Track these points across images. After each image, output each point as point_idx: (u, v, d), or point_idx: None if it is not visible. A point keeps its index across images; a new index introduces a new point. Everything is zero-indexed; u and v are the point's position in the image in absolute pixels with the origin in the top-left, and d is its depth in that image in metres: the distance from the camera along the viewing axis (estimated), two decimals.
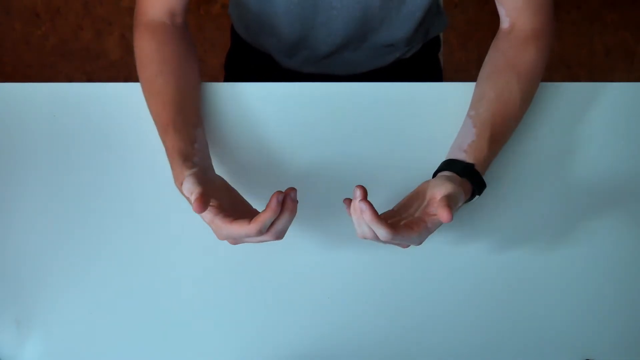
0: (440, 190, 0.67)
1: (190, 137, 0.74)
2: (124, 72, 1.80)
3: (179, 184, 0.70)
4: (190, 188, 0.66)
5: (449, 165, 0.74)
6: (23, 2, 1.81)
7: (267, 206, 0.64)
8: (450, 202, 0.65)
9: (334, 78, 1.04)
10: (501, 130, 0.76)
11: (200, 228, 0.76)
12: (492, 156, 0.76)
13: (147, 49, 0.80)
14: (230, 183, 0.75)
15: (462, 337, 0.76)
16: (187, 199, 0.68)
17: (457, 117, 0.78)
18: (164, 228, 0.79)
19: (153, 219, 0.79)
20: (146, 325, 0.76)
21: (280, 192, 0.65)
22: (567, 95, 0.85)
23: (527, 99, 0.79)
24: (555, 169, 0.82)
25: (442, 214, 0.62)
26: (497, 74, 0.79)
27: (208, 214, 0.67)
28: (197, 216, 0.78)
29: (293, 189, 0.67)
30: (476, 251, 0.79)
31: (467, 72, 1.79)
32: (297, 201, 0.67)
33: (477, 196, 0.74)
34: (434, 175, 0.75)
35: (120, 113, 0.84)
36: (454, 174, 0.72)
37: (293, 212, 0.67)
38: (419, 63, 1.09)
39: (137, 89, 0.81)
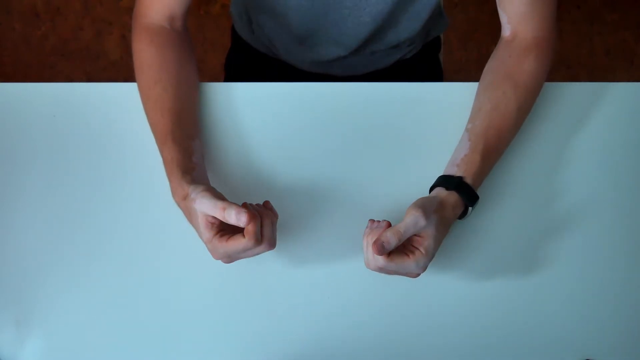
0: (410, 220, 0.68)
1: (189, 149, 0.75)
2: (124, 72, 1.80)
3: (178, 197, 0.71)
4: (213, 205, 0.67)
5: (442, 181, 0.74)
6: (23, 2, 1.81)
7: (246, 218, 0.66)
8: (393, 236, 0.66)
9: (334, 78, 1.04)
10: (495, 142, 0.76)
11: None
12: (486, 168, 0.76)
13: (145, 54, 0.80)
14: (230, 183, 0.75)
15: (463, 337, 0.76)
16: (191, 215, 0.69)
17: (457, 117, 0.78)
18: (164, 228, 0.79)
19: (153, 219, 0.79)
20: (146, 325, 0.76)
21: (245, 205, 0.70)
22: (567, 96, 0.85)
23: (523, 110, 0.79)
24: (554, 168, 0.82)
25: (373, 248, 0.66)
26: (495, 85, 0.79)
27: (208, 232, 0.68)
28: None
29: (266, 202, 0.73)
30: (477, 250, 0.79)
31: (467, 72, 1.79)
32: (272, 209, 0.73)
33: (470, 209, 0.74)
34: (430, 190, 0.76)
35: (120, 113, 0.84)
36: (441, 189, 0.73)
37: (273, 216, 0.71)
38: (419, 63, 1.09)
39: (137, 90, 0.81)
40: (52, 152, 0.83)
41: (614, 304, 0.77)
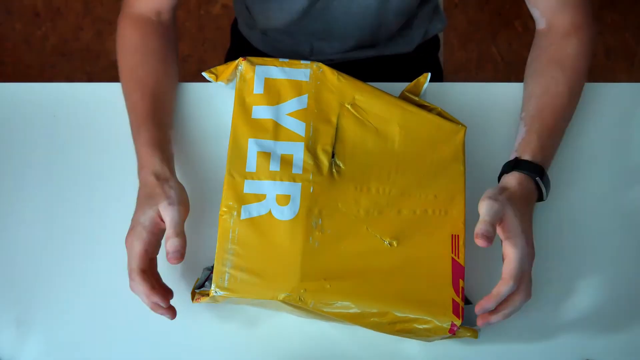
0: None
1: (166, 136, 0.77)
2: None
3: (148, 171, 0.72)
4: (173, 222, 0.69)
5: (502, 169, 0.75)
6: (23, 2, 1.81)
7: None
8: (484, 224, 0.66)
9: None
10: (551, 122, 0.77)
11: (201, 227, 0.76)
12: (547, 145, 0.76)
13: (131, 39, 0.82)
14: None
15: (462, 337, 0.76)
16: (149, 196, 0.70)
17: (457, 116, 0.78)
18: None
19: None
20: (146, 325, 0.76)
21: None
22: None
23: (575, 91, 0.79)
24: (554, 169, 0.82)
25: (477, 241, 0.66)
26: (541, 70, 0.79)
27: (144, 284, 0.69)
28: (198, 218, 0.78)
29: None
30: (477, 249, 0.78)
31: (467, 72, 1.79)
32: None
33: (539, 180, 0.73)
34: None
35: (120, 113, 0.83)
36: (503, 176, 0.73)
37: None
38: (419, 63, 1.09)
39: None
40: (52, 152, 0.83)
41: (614, 304, 0.77)
